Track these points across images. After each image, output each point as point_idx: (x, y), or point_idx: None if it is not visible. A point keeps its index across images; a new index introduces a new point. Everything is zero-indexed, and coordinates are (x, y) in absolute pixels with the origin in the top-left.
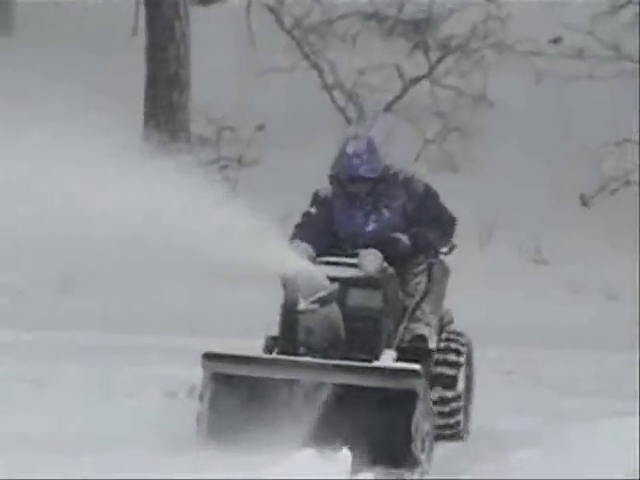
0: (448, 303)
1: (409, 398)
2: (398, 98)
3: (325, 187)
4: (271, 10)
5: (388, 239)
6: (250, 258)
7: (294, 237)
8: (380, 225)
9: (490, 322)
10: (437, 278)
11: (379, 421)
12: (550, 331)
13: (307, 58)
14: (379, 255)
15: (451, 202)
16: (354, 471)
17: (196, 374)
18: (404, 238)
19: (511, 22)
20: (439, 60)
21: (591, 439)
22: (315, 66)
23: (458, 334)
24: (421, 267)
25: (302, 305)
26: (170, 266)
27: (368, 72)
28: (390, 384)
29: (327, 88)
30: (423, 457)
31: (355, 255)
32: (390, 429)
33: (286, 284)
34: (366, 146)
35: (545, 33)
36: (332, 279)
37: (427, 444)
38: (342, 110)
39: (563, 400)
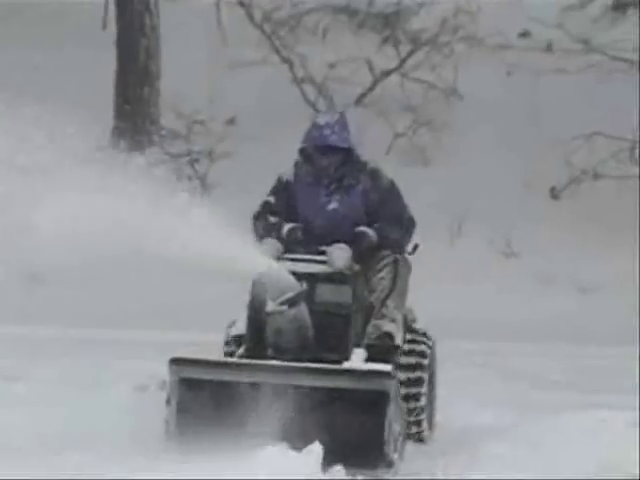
0: (420, 295)
1: (381, 399)
2: (368, 91)
3: (288, 171)
4: (241, 4)
5: (355, 232)
6: (215, 258)
7: (254, 227)
8: (342, 206)
9: (461, 315)
10: (402, 274)
11: (351, 423)
12: (521, 324)
13: (277, 52)
14: (348, 250)
15: (422, 195)
16: (325, 466)
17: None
18: (371, 232)
19: (481, 16)
20: (409, 54)
21: (561, 432)
22: (285, 60)
23: (422, 334)
24: (383, 262)
25: (271, 306)
26: (139, 263)
27: (338, 66)
28: (362, 385)
29: (297, 82)
30: (396, 457)
31: (319, 250)
32: (362, 430)
33: (253, 284)
34: (338, 118)
35: (514, 27)
36: (300, 275)
37: (399, 444)
38: (313, 104)
39: (534, 393)
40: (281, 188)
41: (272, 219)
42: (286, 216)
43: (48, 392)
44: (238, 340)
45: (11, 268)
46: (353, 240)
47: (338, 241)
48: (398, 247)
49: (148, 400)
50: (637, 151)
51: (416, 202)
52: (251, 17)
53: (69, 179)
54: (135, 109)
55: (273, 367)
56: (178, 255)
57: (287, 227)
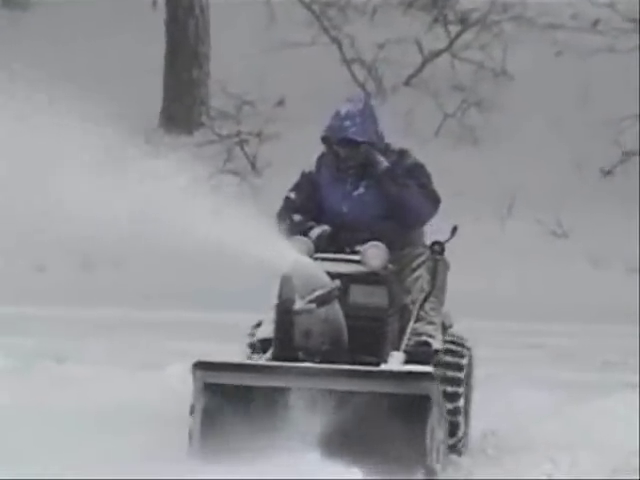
0: (470, 276)
1: (422, 404)
2: (418, 72)
3: (312, 162)
4: None
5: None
6: (245, 252)
7: (278, 224)
8: (369, 190)
9: (511, 296)
10: (440, 274)
11: (390, 431)
12: (571, 305)
13: (326, 32)
14: (383, 248)
15: (471, 176)
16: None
17: (219, 348)
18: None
19: None
20: (459, 34)
21: (612, 413)
22: (334, 40)
23: (459, 344)
24: (418, 260)
25: (298, 305)
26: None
27: (387, 46)
28: (401, 389)
29: (346, 62)
30: (439, 467)
31: (352, 250)
32: (403, 439)
33: (281, 281)
34: (361, 107)
35: (564, 6)
36: (331, 276)
37: (442, 452)
38: (362, 84)
39: (584, 374)
40: (304, 182)
41: (296, 217)
42: (311, 211)
43: (99, 373)
44: (265, 343)
45: (62, 252)
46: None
47: (372, 239)
48: (422, 215)
49: None
50: None
51: (466, 183)
52: None
53: (119, 163)
54: (184, 90)
55: (305, 370)
56: (211, 244)
57: (315, 231)
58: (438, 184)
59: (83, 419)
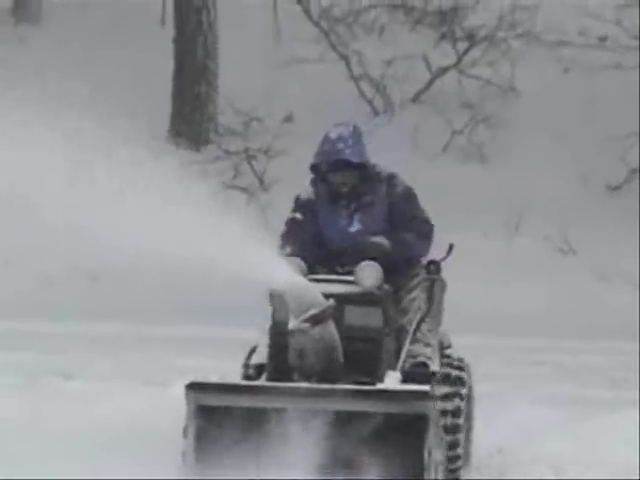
0: (477, 292)
1: (420, 423)
2: (425, 88)
3: (306, 189)
4: (298, 1)
5: (368, 244)
6: (240, 271)
7: (283, 247)
8: (365, 226)
9: (517, 312)
10: (437, 295)
11: (387, 451)
12: (578, 321)
13: (334, 49)
14: (378, 268)
15: (479, 192)
16: None
17: (224, 366)
18: (384, 241)
19: (538, 12)
20: (466, 50)
21: (617, 430)
22: (342, 57)
23: (457, 366)
24: (415, 281)
25: (292, 324)
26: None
27: (395, 62)
28: (398, 408)
29: (354, 79)
30: None
31: (346, 269)
32: (400, 459)
33: (274, 301)
34: (352, 130)
35: (572, 23)
36: (325, 296)
37: (440, 473)
38: (369, 101)
39: (590, 391)
40: (303, 205)
41: (298, 216)
42: (313, 234)
43: (106, 389)
44: (260, 369)
45: (70, 267)
46: (364, 251)
47: (365, 259)
48: (416, 253)
49: None
50: None
51: (473, 199)
52: (308, 14)
53: (126, 179)
54: (192, 107)
55: (300, 390)
56: (208, 261)
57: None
58: (445, 200)
59: (89, 436)
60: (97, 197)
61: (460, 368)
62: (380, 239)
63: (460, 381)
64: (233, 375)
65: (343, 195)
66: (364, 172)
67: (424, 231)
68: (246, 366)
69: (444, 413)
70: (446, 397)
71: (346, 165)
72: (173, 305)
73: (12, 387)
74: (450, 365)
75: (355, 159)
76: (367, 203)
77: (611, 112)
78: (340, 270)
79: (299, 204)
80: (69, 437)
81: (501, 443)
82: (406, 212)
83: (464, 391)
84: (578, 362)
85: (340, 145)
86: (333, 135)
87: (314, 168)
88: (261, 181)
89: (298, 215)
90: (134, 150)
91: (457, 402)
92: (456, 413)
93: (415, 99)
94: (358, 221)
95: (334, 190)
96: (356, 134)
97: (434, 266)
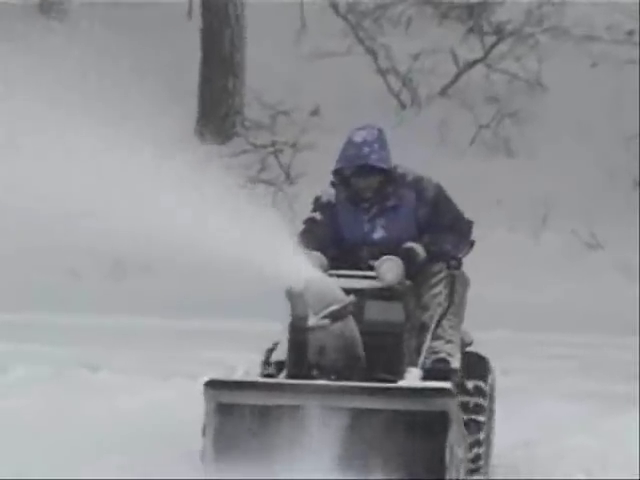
0: (505, 287)
1: (441, 421)
2: (452, 83)
3: (327, 190)
4: None
5: (401, 250)
6: (263, 265)
7: (300, 246)
8: (389, 232)
9: (544, 307)
10: (459, 291)
11: (407, 449)
12: (604, 316)
13: (361, 43)
14: (399, 262)
15: (505, 187)
16: None
17: (249, 358)
18: (419, 248)
19: (565, 7)
20: (494, 45)
21: None
22: (369, 50)
23: (479, 363)
24: (437, 277)
25: (312, 321)
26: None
27: (422, 56)
28: (419, 406)
29: (381, 72)
30: None
31: (364, 267)
32: (420, 458)
33: (293, 298)
34: (377, 134)
35: (599, 18)
36: (347, 292)
37: (462, 471)
38: (396, 95)
39: (616, 386)
40: (323, 206)
41: (318, 216)
42: (331, 235)
43: (132, 381)
44: (280, 366)
45: (96, 260)
46: (399, 256)
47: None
48: (453, 257)
49: None
50: None
51: (500, 193)
52: (336, 8)
53: (153, 172)
54: (219, 100)
55: (321, 387)
56: (229, 255)
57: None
58: (472, 194)
59: (114, 428)
60: (123, 190)
61: (481, 371)
62: (415, 246)
63: (480, 390)
64: (259, 367)
65: (365, 199)
66: (388, 176)
67: (465, 231)
68: (266, 363)
69: (465, 409)
70: (467, 394)
71: (371, 170)
72: (198, 298)
73: (39, 379)
74: (472, 363)
75: (381, 164)
76: (390, 208)
77: (638, 107)
78: (361, 266)
79: (319, 205)
80: (95, 429)
81: (526, 437)
82: (443, 216)
83: (486, 388)
84: (603, 357)
85: (365, 150)
86: (358, 139)
87: (337, 172)
88: (287, 174)
89: (317, 215)
90: (161, 143)
91: (479, 399)
92: (478, 410)
93: (442, 93)
94: (381, 227)
95: (356, 194)
96: (381, 138)
97: (455, 261)
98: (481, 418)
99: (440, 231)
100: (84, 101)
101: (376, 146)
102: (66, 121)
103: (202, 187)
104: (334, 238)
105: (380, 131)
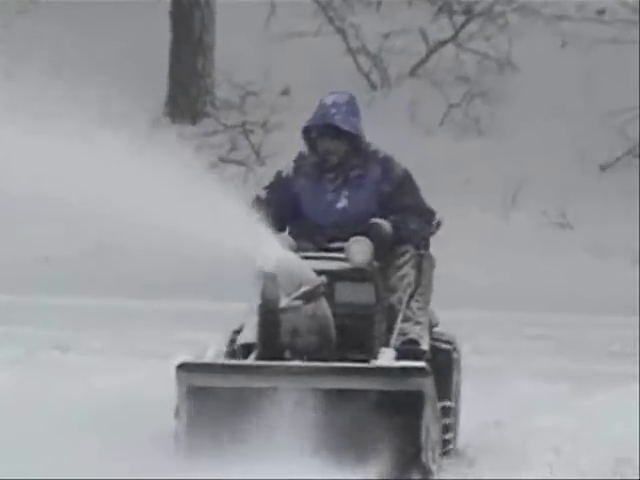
0: (475, 267)
1: (416, 401)
2: (422, 62)
3: (288, 165)
4: None
5: (369, 225)
6: (232, 246)
7: None
8: (352, 202)
9: (515, 287)
10: (426, 272)
11: (383, 429)
12: (575, 296)
13: (331, 22)
14: (368, 243)
15: (475, 167)
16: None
17: (221, 338)
18: (386, 225)
19: None
20: (464, 24)
21: (616, 405)
22: (339, 30)
23: (446, 341)
24: (404, 258)
25: (284, 302)
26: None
27: (392, 36)
28: (394, 386)
29: (351, 52)
30: (434, 468)
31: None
32: (396, 438)
33: (264, 279)
34: (347, 99)
35: None
36: (316, 273)
37: (437, 452)
38: (366, 74)
39: (589, 365)
40: (279, 184)
41: (263, 195)
42: (287, 214)
43: (103, 362)
44: (247, 348)
45: (68, 241)
46: (366, 233)
47: (356, 234)
48: (417, 240)
49: None
50: None
51: (470, 173)
52: None
53: (124, 152)
54: (190, 80)
55: (295, 369)
56: (201, 236)
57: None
58: (443, 175)
59: (86, 409)
60: (94, 171)
61: (447, 349)
62: (382, 222)
63: (447, 365)
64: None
65: (330, 168)
66: (355, 144)
67: (427, 218)
68: (232, 346)
69: None
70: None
71: (336, 132)
72: (170, 279)
73: (10, 360)
74: (440, 342)
75: (345, 127)
76: (356, 178)
77: (609, 86)
78: (327, 246)
79: (275, 180)
80: (66, 410)
81: (497, 417)
82: (408, 197)
83: (453, 372)
84: (576, 337)
85: (332, 110)
86: (328, 101)
87: (306, 134)
88: (258, 154)
89: (263, 193)
90: (131, 123)
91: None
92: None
93: (412, 73)
94: (345, 197)
95: (322, 161)
96: (351, 104)
97: (423, 242)
98: (448, 403)
99: (405, 212)
100: (51, 80)
101: (344, 109)
102: (38, 103)
103: (172, 168)
104: (286, 215)
105: (351, 97)
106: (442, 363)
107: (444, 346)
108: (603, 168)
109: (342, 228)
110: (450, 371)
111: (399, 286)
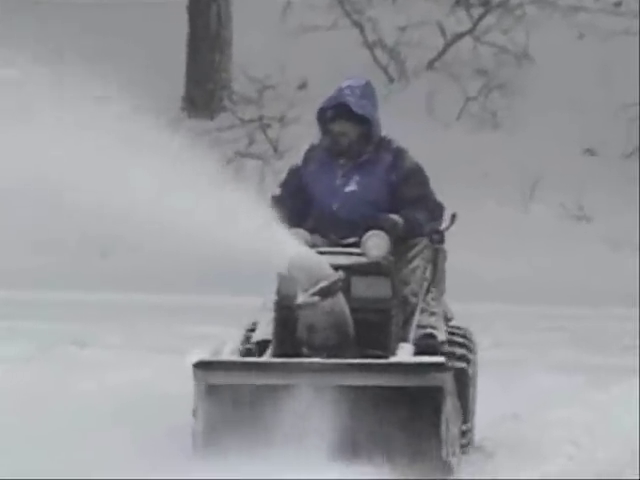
0: (493, 259)
1: (436, 396)
2: (440, 55)
3: (299, 160)
4: None
5: (381, 219)
6: (248, 242)
7: None
8: (361, 187)
9: (532, 279)
10: (440, 264)
11: (402, 426)
12: (592, 288)
13: (348, 16)
14: (384, 237)
15: (493, 159)
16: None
17: (237, 333)
18: (397, 218)
19: None
20: (481, 17)
21: (630, 397)
22: (356, 24)
23: (462, 335)
24: (415, 250)
25: (301, 298)
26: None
27: (410, 29)
28: (414, 381)
29: (368, 46)
30: (454, 461)
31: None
32: (416, 433)
33: (279, 275)
34: (363, 84)
35: None
36: (333, 268)
37: (457, 446)
38: (384, 68)
39: (604, 358)
40: (291, 179)
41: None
42: (302, 207)
43: (119, 357)
44: (263, 345)
45: (83, 236)
46: (377, 227)
47: (372, 228)
48: (426, 233)
49: None
50: None
51: (488, 166)
52: None
53: (140, 147)
54: (207, 75)
55: (313, 366)
56: (217, 233)
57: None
58: (460, 168)
59: (102, 405)
60: (109, 165)
61: (466, 339)
62: (395, 217)
63: (464, 358)
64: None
65: (341, 153)
66: (368, 130)
67: (436, 213)
68: (247, 343)
69: None
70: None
71: (349, 114)
72: (184, 274)
73: (26, 355)
74: (456, 336)
75: (358, 110)
76: (366, 163)
77: (625, 78)
78: (342, 242)
79: (287, 176)
80: (83, 406)
81: (515, 410)
82: (417, 189)
83: (469, 366)
84: (592, 329)
85: (346, 92)
86: (343, 85)
87: (320, 118)
88: (275, 148)
89: (277, 191)
90: (149, 118)
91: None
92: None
93: (429, 66)
94: (355, 182)
95: (333, 144)
96: (367, 88)
97: (438, 235)
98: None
99: (413, 205)
100: (68, 75)
101: (358, 92)
102: (51, 96)
103: (188, 164)
104: (302, 208)
105: (367, 83)
106: (457, 380)
107: (458, 364)
108: (626, 156)
109: (350, 215)
110: (466, 388)
111: (411, 278)
